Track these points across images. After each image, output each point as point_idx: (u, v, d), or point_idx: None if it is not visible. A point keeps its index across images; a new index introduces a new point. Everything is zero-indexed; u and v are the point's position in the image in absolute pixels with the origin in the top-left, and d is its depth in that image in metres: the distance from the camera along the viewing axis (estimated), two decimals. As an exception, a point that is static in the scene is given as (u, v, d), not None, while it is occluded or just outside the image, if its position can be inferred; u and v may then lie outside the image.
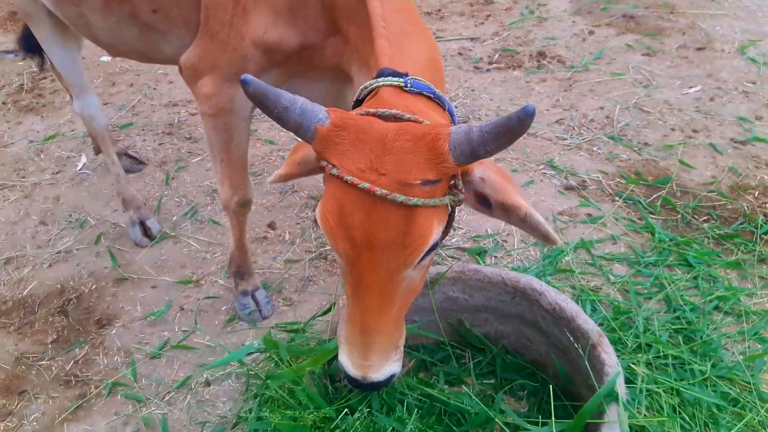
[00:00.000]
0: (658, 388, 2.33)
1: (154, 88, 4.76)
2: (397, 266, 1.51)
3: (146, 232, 3.32)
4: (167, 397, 2.57)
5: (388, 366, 1.64)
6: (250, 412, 2.30)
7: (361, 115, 1.53)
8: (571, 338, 1.93)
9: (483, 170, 1.59)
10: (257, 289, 2.91)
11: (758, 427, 2.25)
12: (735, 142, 3.79)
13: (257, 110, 4.35)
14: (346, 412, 1.75)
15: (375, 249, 1.47)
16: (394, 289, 1.56)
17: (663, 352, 2.47)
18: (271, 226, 3.38)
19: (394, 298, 1.58)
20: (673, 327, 2.64)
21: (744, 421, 2.18)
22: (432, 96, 1.69)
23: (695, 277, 2.89)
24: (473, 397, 2.01)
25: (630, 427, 1.91)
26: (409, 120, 1.52)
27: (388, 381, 1.67)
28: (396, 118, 1.53)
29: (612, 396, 1.73)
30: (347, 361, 1.65)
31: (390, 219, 1.44)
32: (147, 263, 3.19)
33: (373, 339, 1.60)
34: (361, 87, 1.71)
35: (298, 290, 3.02)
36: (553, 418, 1.60)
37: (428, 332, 2.32)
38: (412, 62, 1.76)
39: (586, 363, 1.84)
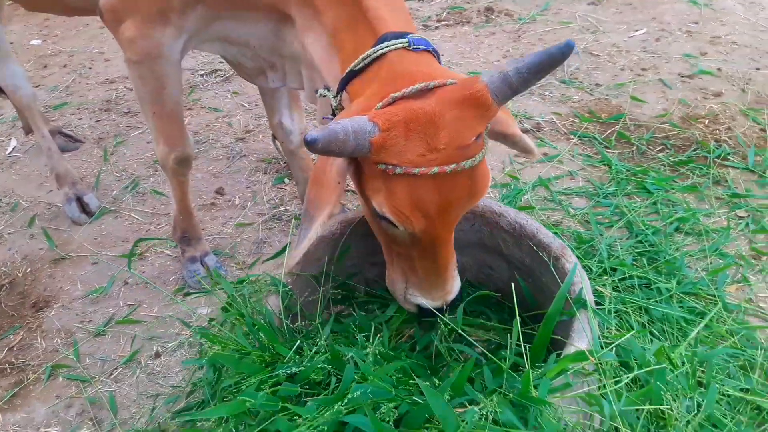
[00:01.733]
0: (626, 308, 2.28)
1: (90, 68, 4.53)
2: (465, 212, 1.61)
3: (84, 208, 3.12)
4: (114, 374, 2.39)
5: (457, 282, 1.76)
6: (205, 380, 2.14)
7: (390, 104, 1.48)
8: (536, 248, 1.84)
9: None
10: (206, 255, 2.75)
11: (726, 335, 2.21)
12: (683, 77, 3.78)
13: (197, 72, 4.21)
14: (300, 348, 1.61)
15: (449, 212, 1.53)
16: (454, 230, 1.65)
17: (628, 274, 2.42)
18: (220, 192, 3.22)
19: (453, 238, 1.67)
20: (636, 251, 2.59)
21: (704, 323, 2.14)
22: (430, 50, 1.65)
23: (654, 203, 2.85)
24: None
25: (601, 346, 1.84)
26: (436, 87, 1.48)
27: (461, 293, 1.80)
28: (423, 91, 1.48)
29: (579, 303, 1.63)
30: (428, 302, 1.73)
31: (459, 183, 1.48)
32: (86, 240, 3.00)
33: (448, 274, 1.70)
34: (362, 56, 1.61)
35: (252, 253, 2.87)
36: (517, 321, 1.49)
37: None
38: (397, 17, 1.69)
39: (552, 269, 1.75)
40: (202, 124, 3.71)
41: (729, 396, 1.99)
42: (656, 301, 2.31)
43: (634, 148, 3.20)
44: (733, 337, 2.17)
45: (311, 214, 1.54)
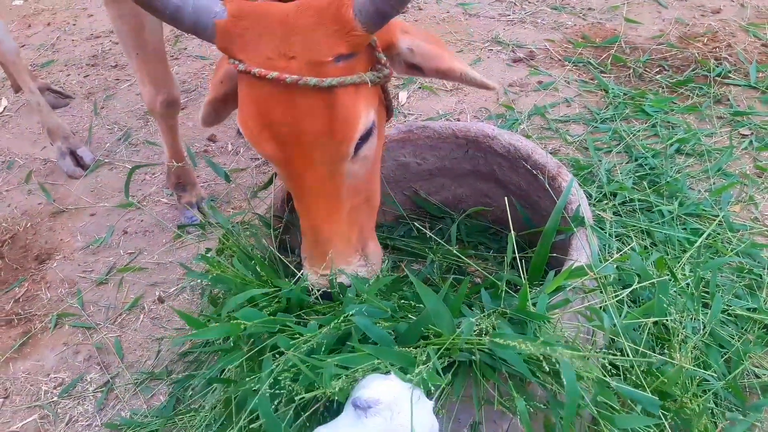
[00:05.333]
0: (628, 231, 2.26)
1: (74, 24, 4.44)
2: (332, 159, 1.40)
3: (78, 162, 3.10)
4: (119, 321, 2.41)
5: (349, 270, 1.53)
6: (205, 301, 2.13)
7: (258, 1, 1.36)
8: (531, 169, 1.81)
9: (410, 41, 1.47)
10: (202, 200, 2.74)
11: (732, 255, 2.19)
12: (679, -5, 3.68)
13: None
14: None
15: (303, 144, 1.36)
16: (336, 187, 1.45)
17: (629, 197, 2.40)
18: (212, 139, 3.18)
19: (339, 199, 1.47)
20: (637, 174, 2.56)
21: (705, 234, 2.10)
22: None
23: (653, 125, 2.80)
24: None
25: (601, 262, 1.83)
26: None
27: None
28: None
29: (577, 220, 1.62)
30: (311, 275, 1.54)
31: (310, 107, 1.32)
32: (83, 193, 2.99)
33: (327, 246, 1.49)
34: None
35: (248, 198, 2.85)
36: (512, 236, 1.48)
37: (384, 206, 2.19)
38: None
39: (549, 190, 1.72)
40: (189, 72, 3.65)
41: (736, 316, 1.98)
42: (658, 224, 2.29)
43: (631, 71, 3.13)
44: (738, 256, 2.15)
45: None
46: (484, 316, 1.30)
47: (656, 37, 3.34)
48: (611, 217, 2.27)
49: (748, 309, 2.00)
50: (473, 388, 1.32)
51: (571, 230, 1.58)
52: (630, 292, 1.83)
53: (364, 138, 1.41)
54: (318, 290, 1.50)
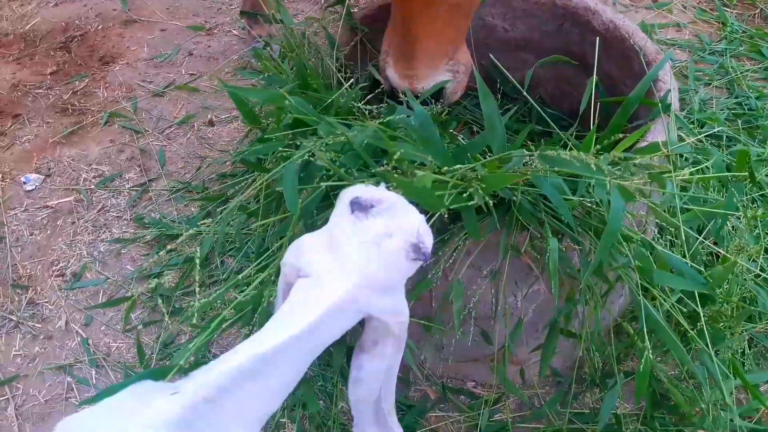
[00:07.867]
0: (707, 159, 2.07)
1: None
2: None
3: (159, -23, 3.03)
4: (167, 132, 2.39)
5: (435, 75, 1.48)
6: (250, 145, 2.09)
7: None
8: (630, 51, 1.63)
9: None
10: (272, 37, 2.64)
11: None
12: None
13: None
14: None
15: None
16: None
17: (717, 130, 2.19)
18: (294, -15, 3.06)
19: None
20: (733, 111, 2.34)
21: None
22: None
23: (767, 69, 2.54)
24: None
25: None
26: None
27: (438, 94, 1.50)
28: None
29: (664, 105, 1.45)
30: (392, 73, 1.50)
31: None
32: (158, 8, 2.93)
33: (416, 45, 1.42)
34: None
35: (323, 6, 2.76)
36: (593, 79, 1.34)
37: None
38: None
39: (643, 63, 1.55)
40: None
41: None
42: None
43: (758, 11, 2.83)
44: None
45: None
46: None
47: (797, -18, 3.00)
48: (693, 143, 2.08)
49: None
50: (503, 235, 1.22)
51: (657, 109, 1.42)
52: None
53: None
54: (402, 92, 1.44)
